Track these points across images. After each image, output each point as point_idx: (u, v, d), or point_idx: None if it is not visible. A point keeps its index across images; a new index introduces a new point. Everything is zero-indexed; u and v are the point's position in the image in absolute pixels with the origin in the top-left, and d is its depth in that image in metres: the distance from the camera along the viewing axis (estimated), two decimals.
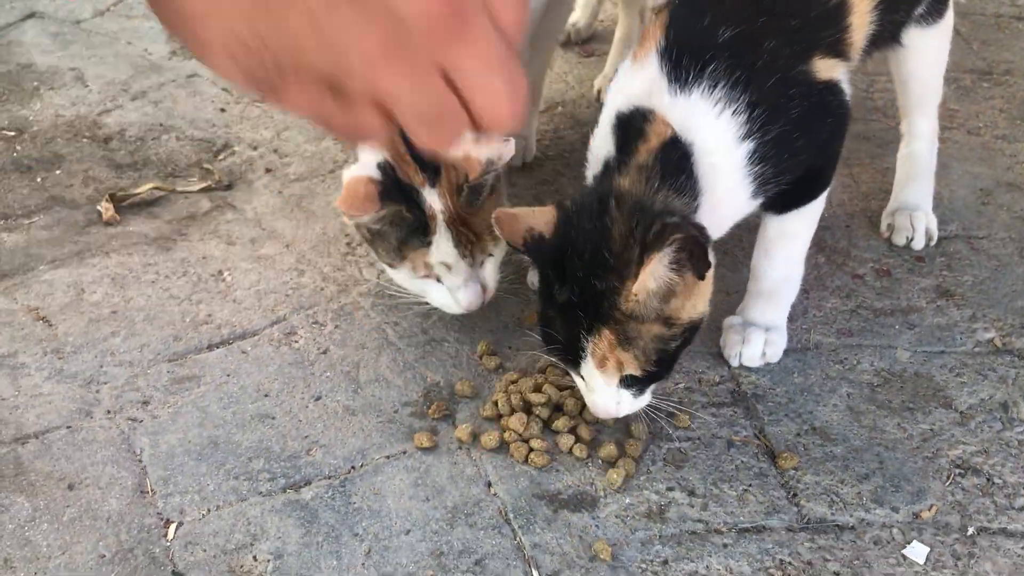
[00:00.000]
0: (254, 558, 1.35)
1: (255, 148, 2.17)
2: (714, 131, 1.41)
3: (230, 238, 1.91)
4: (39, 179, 2.05)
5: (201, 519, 1.39)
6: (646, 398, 1.44)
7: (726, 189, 1.44)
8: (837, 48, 1.50)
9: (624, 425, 1.54)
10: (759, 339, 1.65)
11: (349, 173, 1.58)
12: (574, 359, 1.39)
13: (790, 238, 1.60)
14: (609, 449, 1.50)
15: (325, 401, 1.58)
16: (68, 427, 1.51)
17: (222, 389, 1.59)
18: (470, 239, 1.55)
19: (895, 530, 1.42)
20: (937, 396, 1.62)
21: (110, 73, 2.39)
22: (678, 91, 1.41)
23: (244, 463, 1.47)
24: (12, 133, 2.18)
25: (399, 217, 1.52)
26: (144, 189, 2.02)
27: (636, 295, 1.31)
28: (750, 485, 1.47)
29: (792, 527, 1.42)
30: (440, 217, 1.53)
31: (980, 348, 1.70)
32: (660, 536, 1.40)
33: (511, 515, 1.42)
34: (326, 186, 2.06)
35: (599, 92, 2.30)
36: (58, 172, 2.08)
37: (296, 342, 1.68)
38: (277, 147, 2.18)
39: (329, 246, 1.90)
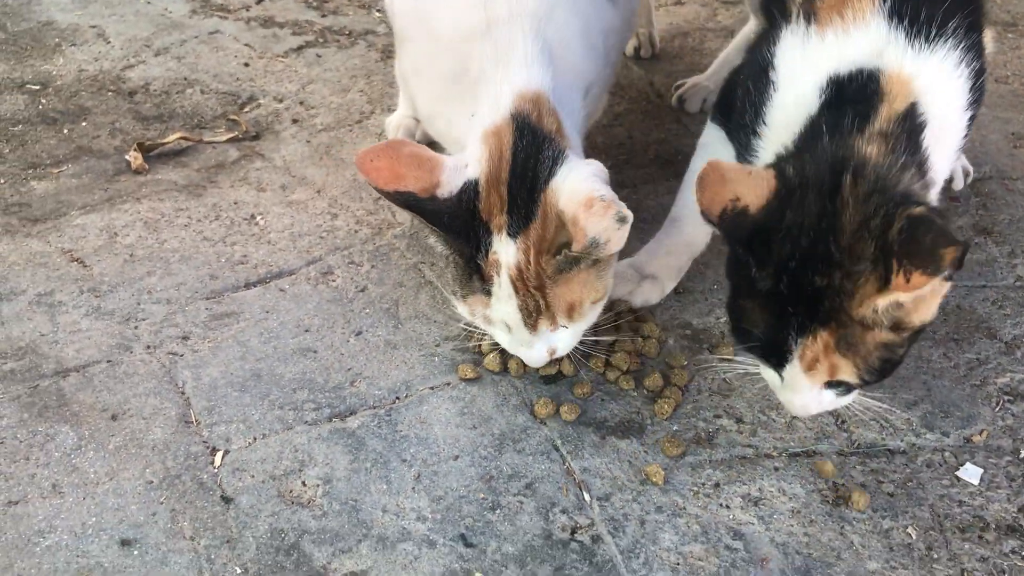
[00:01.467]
0: (303, 483, 1.33)
1: (280, 100, 2.16)
2: (951, 99, 1.27)
3: (260, 185, 1.90)
4: (65, 130, 2.04)
5: (248, 447, 1.38)
6: (851, 397, 1.28)
7: (934, 171, 1.26)
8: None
9: (666, 359, 1.53)
10: None
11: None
12: (777, 358, 1.23)
13: None
14: (654, 379, 1.48)
15: (366, 336, 1.56)
16: (108, 361, 1.50)
17: (262, 325, 1.57)
18: (538, 307, 1.32)
19: (947, 453, 1.41)
20: (981, 328, 1.61)
21: (131, 30, 2.38)
22: (920, 47, 1.25)
23: (288, 394, 1.46)
24: (36, 87, 2.16)
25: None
26: (172, 139, 2.00)
27: (877, 305, 1.14)
28: None
29: (843, 451, 1.41)
30: (504, 272, 1.31)
31: (1021, 282, 1.69)
32: (710, 461, 1.39)
33: (559, 442, 1.40)
34: (354, 135, 2.05)
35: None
36: (84, 124, 2.06)
37: (333, 281, 1.67)
38: (303, 99, 2.16)
39: (361, 191, 1.88)
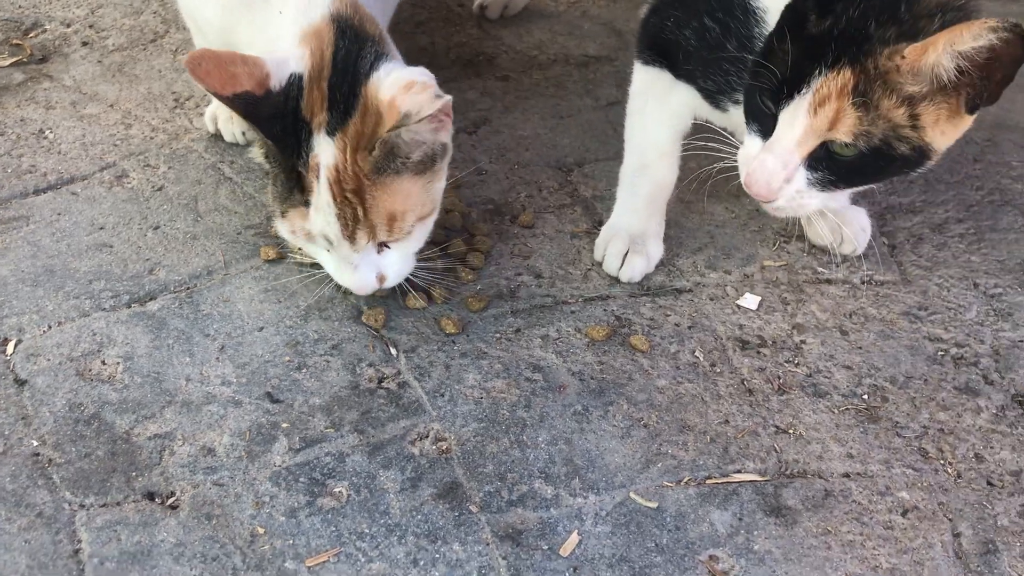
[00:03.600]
0: (103, 362, 1.31)
1: (68, 25, 2.09)
2: None
3: (49, 103, 1.84)
4: None
5: (42, 335, 1.35)
6: (812, 200, 1.26)
7: None
8: None
9: (469, 229, 1.58)
10: None
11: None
12: (784, 93, 1.19)
13: None
14: (457, 244, 1.53)
15: (164, 230, 1.54)
16: None
17: (53, 226, 1.53)
18: (355, 216, 1.26)
19: (729, 287, 1.51)
20: None
21: None
22: None
23: (84, 285, 1.43)
24: None
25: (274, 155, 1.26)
26: None
27: (906, 59, 1.13)
28: (591, 266, 1.53)
29: (634, 294, 1.49)
30: (324, 174, 1.25)
31: None
32: (512, 311, 1.45)
33: (364, 307, 1.43)
34: (148, 54, 2.00)
35: None
36: None
37: (129, 183, 1.64)
38: (93, 23, 2.10)
39: (156, 102, 1.85)
